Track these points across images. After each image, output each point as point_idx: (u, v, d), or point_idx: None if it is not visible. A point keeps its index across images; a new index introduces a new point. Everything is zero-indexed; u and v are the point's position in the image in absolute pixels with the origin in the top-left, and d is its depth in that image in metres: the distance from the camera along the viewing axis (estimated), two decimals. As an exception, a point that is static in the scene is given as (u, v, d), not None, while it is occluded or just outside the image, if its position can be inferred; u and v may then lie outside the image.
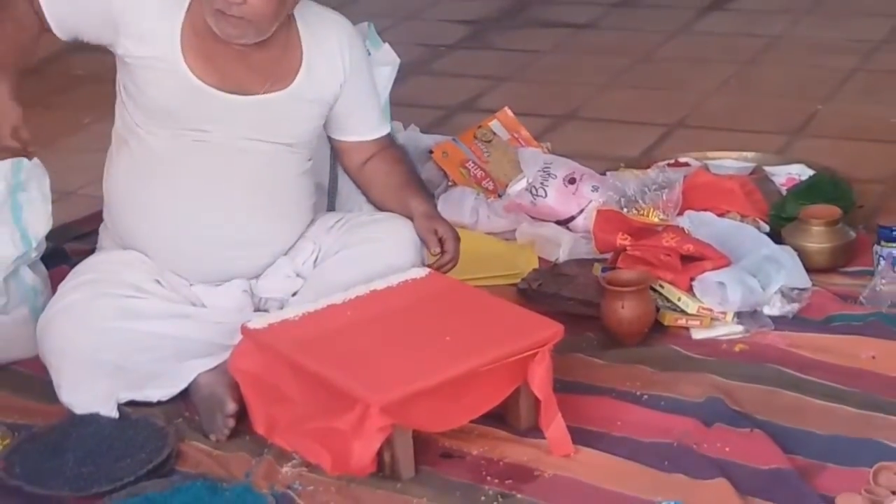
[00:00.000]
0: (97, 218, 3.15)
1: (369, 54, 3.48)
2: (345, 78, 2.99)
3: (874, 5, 5.37)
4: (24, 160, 3.05)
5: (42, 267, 3.17)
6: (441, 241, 2.96)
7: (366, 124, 3.09)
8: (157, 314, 2.87)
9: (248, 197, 2.94)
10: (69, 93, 4.81)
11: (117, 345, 2.82)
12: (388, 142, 3.15)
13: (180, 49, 2.87)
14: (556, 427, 2.67)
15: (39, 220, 3.08)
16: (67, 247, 3.49)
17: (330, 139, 3.13)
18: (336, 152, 3.16)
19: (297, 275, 3.02)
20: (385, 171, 3.08)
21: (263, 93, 2.92)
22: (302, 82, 2.95)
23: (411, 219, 2.99)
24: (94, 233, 3.16)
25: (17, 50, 2.88)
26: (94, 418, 2.79)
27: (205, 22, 2.84)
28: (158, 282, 2.93)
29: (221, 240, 2.94)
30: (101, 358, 2.81)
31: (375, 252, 2.95)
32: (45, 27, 2.90)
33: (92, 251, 3.11)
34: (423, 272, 2.93)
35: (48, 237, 3.16)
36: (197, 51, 2.87)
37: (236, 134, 2.92)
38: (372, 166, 3.09)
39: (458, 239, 3.00)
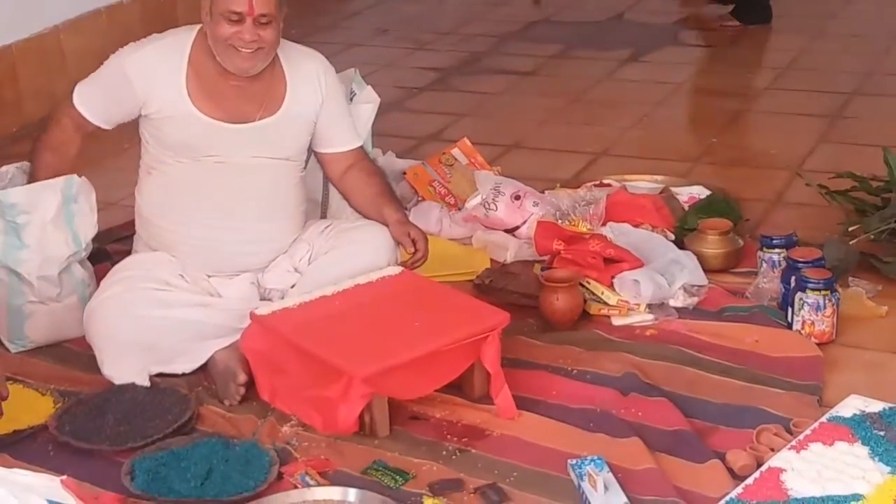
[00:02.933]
0: (134, 224, 3.11)
1: (355, 94, 3.47)
2: (322, 98, 2.97)
3: (758, 60, 5.38)
4: (75, 177, 3.02)
5: (88, 263, 3.13)
6: (414, 242, 2.94)
7: (342, 137, 3.05)
8: (181, 303, 2.83)
9: (257, 203, 2.92)
10: (113, 123, 4.76)
11: (150, 329, 2.78)
12: (363, 154, 3.11)
13: (188, 95, 2.85)
14: (503, 396, 2.66)
15: (87, 227, 3.05)
16: (109, 247, 3.45)
17: (315, 154, 3.10)
18: (320, 164, 3.13)
19: (295, 270, 2.99)
20: (363, 182, 3.05)
21: (259, 119, 2.90)
22: (289, 105, 2.93)
23: (386, 224, 2.97)
24: (132, 236, 3.12)
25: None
26: (129, 387, 2.76)
27: (205, 66, 2.85)
28: (182, 276, 2.90)
29: (235, 239, 2.92)
30: (137, 339, 2.78)
31: (358, 252, 2.93)
32: (88, 132, 3.00)
33: (129, 252, 3.08)
34: (397, 270, 2.91)
35: (94, 239, 3.11)
36: (201, 92, 2.86)
37: (243, 154, 2.90)
38: (351, 176, 3.06)
39: (426, 240, 2.97)
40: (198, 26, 2.91)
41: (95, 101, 2.95)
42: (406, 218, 3.04)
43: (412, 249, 2.94)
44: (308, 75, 2.96)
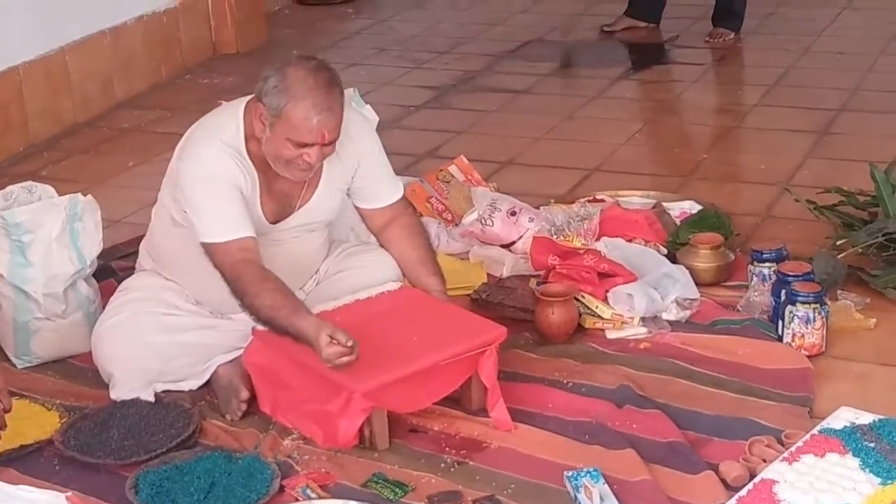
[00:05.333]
0: (138, 241, 3.10)
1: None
2: (358, 162, 2.81)
3: (747, 77, 5.38)
4: (80, 195, 3.02)
5: (94, 280, 3.12)
6: None
7: (379, 194, 2.87)
8: (189, 327, 2.80)
9: (281, 266, 2.69)
10: (117, 141, 4.75)
11: (158, 355, 2.76)
12: (404, 208, 2.90)
13: (259, 196, 2.70)
14: (498, 408, 2.65)
15: (92, 244, 3.04)
16: (115, 264, 3.44)
17: (355, 206, 2.91)
18: (361, 216, 2.93)
19: (302, 289, 2.94)
20: (406, 243, 2.87)
21: (298, 208, 2.78)
22: (325, 183, 2.78)
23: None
24: (136, 253, 3.09)
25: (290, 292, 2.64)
26: (134, 402, 2.75)
27: (259, 157, 2.65)
28: (189, 299, 2.85)
29: None
30: (146, 365, 2.76)
31: (363, 275, 2.88)
32: (255, 253, 2.63)
33: (133, 267, 3.06)
34: (396, 285, 2.89)
35: (99, 256, 3.11)
36: (264, 189, 2.69)
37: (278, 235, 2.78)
38: (393, 233, 2.87)
39: None
40: (236, 111, 2.68)
41: (230, 218, 2.61)
42: (444, 293, 2.85)
43: None
44: (340, 147, 2.70)
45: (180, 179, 2.66)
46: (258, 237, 2.68)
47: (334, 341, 2.47)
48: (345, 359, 2.48)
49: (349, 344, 2.48)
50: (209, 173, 2.62)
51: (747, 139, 4.52)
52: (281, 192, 2.75)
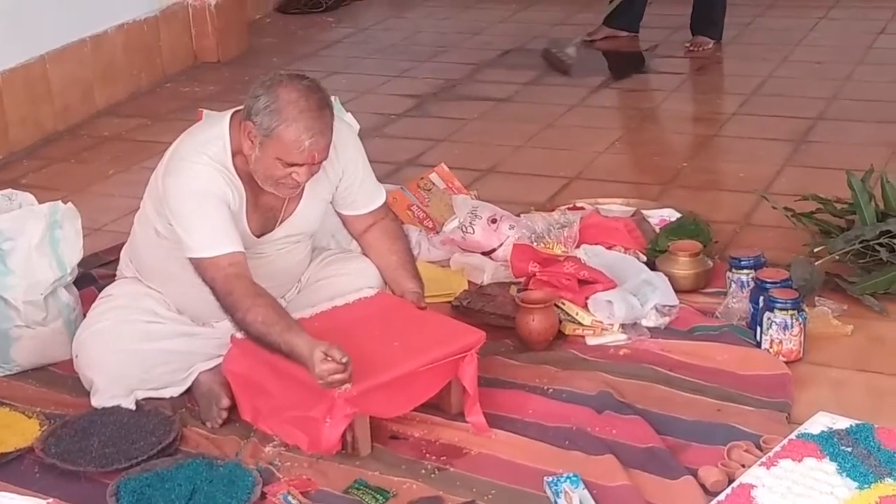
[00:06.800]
0: (119, 249, 3.10)
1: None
2: (342, 171, 2.80)
3: (727, 87, 5.42)
4: (60, 203, 3.02)
5: (74, 288, 3.12)
6: None
7: (362, 201, 2.86)
8: (171, 335, 2.80)
9: (266, 278, 2.68)
10: (97, 149, 4.75)
11: (140, 363, 2.75)
12: (385, 212, 2.91)
13: (245, 212, 2.68)
14: (475, 413, 2.66)
15: (73, 252, 3.03)
16: (95, 272, 3.44)
17: (336, 212, 2.92)
18: (342, 221, 2.93)
19: (283, 298, 2.95)
20: (386, 247, 2.87)
21: (280, 222, 2.77)
22: (311, 191, 2.77)
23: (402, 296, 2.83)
24: (117, 261, 3.09)
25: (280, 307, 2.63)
26: (114, 409, 2.75)
27: (246, 173, 2.64)
28: (173, 306, 2.85)
29: None
30: (127, 373, 2.75)
31: (344, 283, 2.88)
32: (245, 267, 2.60)
33: (114, 275, 3.06)
34: (372, 291, 2.89)
35: (79, 264, 3.10)
36: (251, 205, 2.69)
37: (261, 248, 2.78)
38: (373, 236, 2.88)
39: None
40: (221, 126, 2.66)
41: (220, 233, 2.59)
42: (422, 296, 2.83)
43: None
44: (325, 160, 2.68)
45: (168, 195, 2.64)
46: (252, 244, 2.71)
47: (328, 358, 2.46)
48: (338, 376, 2.46)
49: (343, 360, 2.45)
50: (198, 189, 2.60)
51: (726, 147, 4.55)
52: (266, 205, 2.75)
